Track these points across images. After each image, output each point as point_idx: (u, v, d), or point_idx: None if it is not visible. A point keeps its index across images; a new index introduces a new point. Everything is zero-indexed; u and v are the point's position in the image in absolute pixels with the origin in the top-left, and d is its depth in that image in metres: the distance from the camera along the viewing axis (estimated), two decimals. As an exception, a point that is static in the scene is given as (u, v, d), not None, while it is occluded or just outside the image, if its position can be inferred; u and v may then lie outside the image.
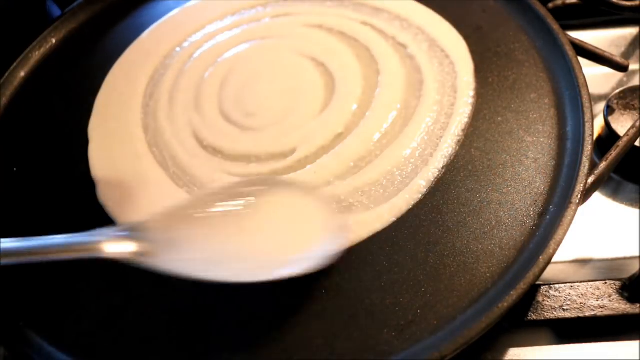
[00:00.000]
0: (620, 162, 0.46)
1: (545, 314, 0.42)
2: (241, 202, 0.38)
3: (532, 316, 0.42)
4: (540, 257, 0.38)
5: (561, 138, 0.45)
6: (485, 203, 0.43)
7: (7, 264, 0.34)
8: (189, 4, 0.62)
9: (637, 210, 0.51)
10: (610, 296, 0.42)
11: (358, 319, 0.39)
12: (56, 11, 0.70)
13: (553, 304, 0.42)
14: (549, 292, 0.43)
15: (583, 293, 0.42)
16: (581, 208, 0.41)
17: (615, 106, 0.53)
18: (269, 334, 0.39)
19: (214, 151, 0.49)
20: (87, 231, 0.37)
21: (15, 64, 0.57)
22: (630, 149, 0.46)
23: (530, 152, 0.45)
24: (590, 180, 0.42)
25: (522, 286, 0.37)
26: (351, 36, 0.55)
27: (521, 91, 0.49)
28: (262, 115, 0.50)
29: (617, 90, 0.54)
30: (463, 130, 0.47)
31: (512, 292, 0.37)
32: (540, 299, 0.43)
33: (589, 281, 0.43)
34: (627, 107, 0.53)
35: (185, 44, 0.58)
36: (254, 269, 0.36)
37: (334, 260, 0.38)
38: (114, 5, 0.63)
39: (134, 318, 0.41)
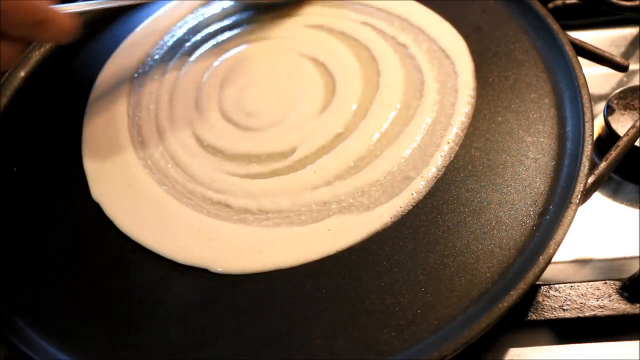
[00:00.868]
0: (620, 162, 0.46)
1: (545, 314, 0.42)
2: None
3: (532, 316, 0.42)
4: (540, 257, 0.38)
5: (561, 138, 0.45)
6: (485, 203, 0.43)
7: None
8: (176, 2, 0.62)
9: (637, 210, 0.51)
10: (610, 296, 0.42)
11: (358, 319, 0.39)
12: None
13: (553, 304, 0.42)
14: (549, 292, 0.43)
15: (583, 293, 0.42)
16: (581, 208, 0.41)
17: (615, 106, 0.53)
18: (269, 334, 0.39)
19: (214, 151, 0.49)
20: None
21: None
22: (630, 149, 0.46)
23: (530, 152, 0.45)
24: (590, 180, 0.42)
25: (522, 286, 0.37)
26: (351, 36, 0.55)
27: (521, 91, 0.49)
28: (262, 115, 0.50)
29: (617, 90, 0.54)
30: (463, 130, 0.47)
31: (512, 292, 0.37)
32: (540, 299, 0.43)
33: (589, 281, 0.43)
34: (627, 107, 0.53)
35: (187, 45, 0.58)
36: None
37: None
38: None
39: (134, 318, 0.41)
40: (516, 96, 0.49)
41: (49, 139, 0.53)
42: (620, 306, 0.42)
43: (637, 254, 0.47)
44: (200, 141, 0.50)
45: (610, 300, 0.42)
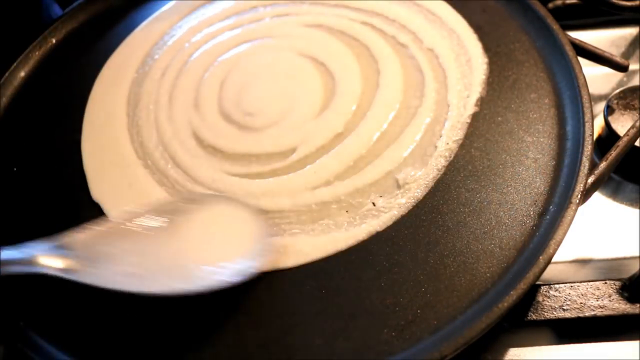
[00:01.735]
0: (620, 162, 0.46)
1: (545, 314, 0.42)
2: (168, 217, 0.40)
3: (532, 316, 0.42)
4: (540, 257, 0.38)
5: (561, 138, 0.45)
6: (485, 203, 0.43)
7: None
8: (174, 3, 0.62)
9: (637, 210, 0.51)
10: (610, 296, 0.42)
11: (358, 319, 0.39)
12: (57, 10, 0.70)
13: (553, 304, 0.42)
14: (549, 292, 0.43)
15: (583, 293, 0.42)
16: (581, 208, 0.41)
17: (615, 106, 0.53)
18: (269, 334, 0.39)
19: (214, 151, 0.49)
20: (15, 245, 0.38)
21: (15, 64, 0.57)
22: (630, 149, 0.46)
23: (530, 152, 0.45)
24: (590, 180, 0.42)
25: (522, 286, 0.37)
26: (351, 36, 0.55)
27: (521, 91, 0.49)
28: (262, 115, 0.50)
29: (617, 90, 0.54)
30: (463, 131, 0.47)
31: (512, 292, 0.37)
32: (540, 299, 0.43)
33: (589, 281, 0.43)
34: (627, 107, 0.53)
35: (187, 45, 0.58)
36: (176, 281, 0.38)
37: (256, 277, 0.39)
38: (114, 5, 0.63)
39: (134, 318, 0.41)
40: (516, 96, 0.49)
41: (49, 139, 0.53)
42: (620, 306, 0.42)
43: (637, 254, 0.47)
44: (200, 141, 0.50)
45: (610, 300, 0.42)
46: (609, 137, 0.52)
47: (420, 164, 0.45)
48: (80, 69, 0.58)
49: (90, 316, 0.41)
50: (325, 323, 0.39)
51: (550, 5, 0.61)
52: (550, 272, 0.45)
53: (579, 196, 0.40)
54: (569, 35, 0.51)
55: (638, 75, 0.59)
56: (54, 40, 0.60)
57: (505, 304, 0.36)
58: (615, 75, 0.58)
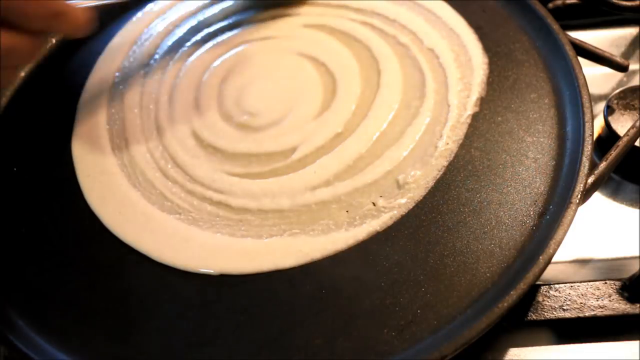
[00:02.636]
0: (620, 162, 0.46)
1: (545, 314, 0.42)
2: None
3: (532, 316, 0.42)
4: (540, 257, 0.38)
5: (561, 138, 0.45)
6: (485, 203, 0.43)
7: None
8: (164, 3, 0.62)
9: (637, 210, 0.51)
10: (610, 296, 0.42)
11: (358, 319, 0.39)
12: None
13: (553, 304, 0.42)
14: (549, 292, 0.43)
15: (583, 293, 0.42)
16: (581, 208, 0.41)
17: (615, 106, 0.53)
18: (269, 334, 0.39)
19: (214, 151, 0.49)
20: None
21: (15, 64, 0.57)
22: (630, 149, 0.46)
23: (530, 152, 0.45)
24: (590, 180, 0.42)
25: (522, 286, 0.37)
26: (352, 36, 0.55)
27: (521, 91, 0.49)
28: (262, 115, 0.50)
29: (617, 90, 0.54)
30: (463, 131, 0.47)
31: (512, 292, 0.37)
32: (540, 299, 0.43)
33: (589, 281, 0.43)
34: (627, 107, 0.53)
35: (188, 44, 0.58)
36: None
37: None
38: (114, 5, 0.63)
39: (135, 319, 0.41)
40: (516, 96, 0.49)
41: (49, 139, 0.53)
42: (620, 306, 0.42)
43: (637, 254, 0.47)
44: (200, 141, 0.50)
45: (610, 300, 0.42)
46: (609, 137, 0.52)
47: (421, 164, 0.45)
48: (81, 69, 0.58)
49: (90, 316, 0.41)
50: (325, 323, 0.39)
51: (550, 5, 0.61)
52: (550, 272, 0.45)
53: (579, 196, 0.40)
54: (569, 35, 0.51)
55: (638, 75, 0.59)
56: (54, 40, 0.60)
57: (505, 304, 0.36)
58: (615, 75, 0.58)
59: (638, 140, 0.47)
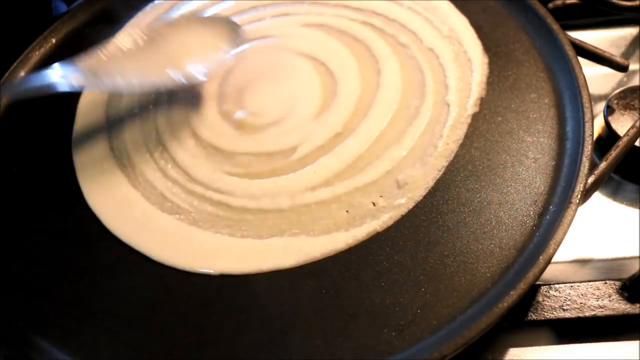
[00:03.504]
0: (620, 162, 0.46)
1: (545, 314, 0.42)
2: (152, 37, 0.50)
3: (532, 316, 0.42)
4: (540, 257, 0.38)
5: (561, 138, 0.45)
6: (485, 203, 0.43)
7: None
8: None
9: (637, 210, 0.51)
10: (610, 296, 0.42)
11: (358, 319, 0.39)
12: (62, 7, 0.70)
13: (553, 304, 0.42)
14: (549, 292, 0.43)
15: (583, 293, 0.42)
16: (581, 208, 0.41)
17: (615, 106, 0.53)
18: (269, 334, 0.39)
19: (213, 151, 0.49)
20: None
21: (15, 64, 0.57)
22: (630, 149, 0.46)
23: (530, 152, 0.45)
24: (590, 180, 0.42)
25: (522, 286, 0.37)
26: (351, 36, 0.55)
27: (521, 91, 0.49)
28: (262, 115, 0.50)
29: (617, 90, 0.54)
30: (463, 131, 0.47)
31: (512, 292, 0.37)
32: (540, 299, 0.43)
33: (589, 281, 0.43)
34: (627, 107, 0.53)
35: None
36: (163, 77, 0.48)
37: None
38: (114, 5, 0.63)
39: (135, 319, 0.41)
40: (516, 96, 0.49)
41: (49, 139, 0.53)
42: (620, 306, 0.42)
43: (637, 254, 0.47)
44: (199, 141, 0.50)
45: (610, 300, 0.42)
46: (609, 137, 0.52)
47: (420, 164, 0.45)
48: (80, 69, 0.58)
49: (90, 316, 0.41)
50: (325, 323, 0.39)
51: (550, 5, 0.61)
52: (550, 272, 0.45)
53: (579, 196, 0.40)
54: (569, 35, 0.51)
55: (638, 75, 0.59)
56: (54, 40, 0.60)
57: (505, 304, 0.36)
58: (615, 75, 0.58)
59: (638, 140, 0.47)
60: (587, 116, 0.44)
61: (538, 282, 0.40)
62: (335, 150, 0.47)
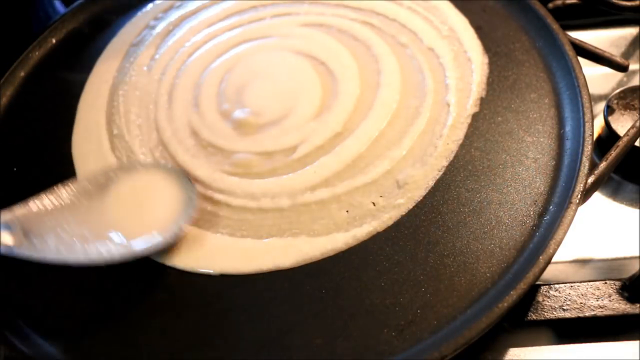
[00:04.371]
0: (620, 162, 0.46)
1: (545, 314, 0.42)
2: (101, 185, 0.44)
3: (532, 316, 0.42)
4: (540, 257, 0.38)
5: (561, 138, 0.45)
6: (485, 203, 0.43)
7: None
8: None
9: (637, 210, 0.51)
10: (610, 296, 0.42)
11: (358, 319, 0.39)
12: (60, 8, 0.70)
13: (553, 304, 0.42)
14: (549, 292, 0.43)
15: (583, 293, 0.42)
16: (581, 208, 0.41)
17: (615, 106, 0.53)
18: (269, 334, 0.39)
19: (214, 150, 0.49)
20: None
21: (15, 64, 0.57)
22: (630, 149, 0.46)
23: (530, 152, 0.45)
24: (590, 180, 0.42)
25: (522, 286, 0.37)
26: (351, 36, 0.55)
27: (521, 91, 0.49)
28: (261, 114, 0.50)
29: (617, 90, 0.54)
30: (463, 131, 0.47)
31: (512, 292, 0.37)
32: (540, 299, 0.43)
33: (589, 281, 0.43)
34: (627, 107, 0.53)
35: (187, 44, 0.58)
36: (108, 248, 0.41)
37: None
38: (114, 5, 0.63)
39: (135, 319, 0.41)
40: (516, 96, 0.49)
41: (49, 139, 0.53)
42: (620, 306, 0.42)
43: (637, 254, 0.47)
44: (199, 141, 0.50)
45: (610, 300, 0.42)
46: (609, 137, 0.52)
47: (420, 164, 0.45)
48: (81, 69, 0.58)
49: (90, 316, 0.41)
50: (325, 323, 0.39)
51: (550, 5, 0.61)
52: (550, 272, 0.45)
53: (579, 196, 0.40)
54: (569, 35, 0.51)
55: (638, 75, 0.59)
56: (54, 40, 0.60)
57: (505, 304, 0.36)
58: (615, 75, 0.58)
59: (638, 140, 0.47)
60: (587, 116, 0.44)
61: (538, 282, 0.40)
62: (335, 150, 0.47)
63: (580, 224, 0.47)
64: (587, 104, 0.45)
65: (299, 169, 0.46)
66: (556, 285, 0.43)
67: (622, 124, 0.52)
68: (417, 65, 0.52)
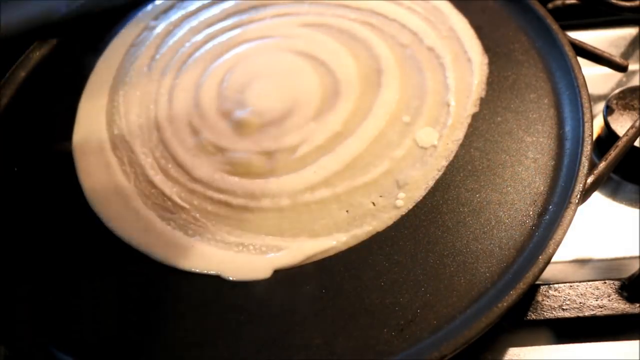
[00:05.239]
0: (620, 162, 0.46)
1: (545, 313, 0.42)
2: None
3: (532, 316, 0.42)
4: (540, 257, 0.38)
5: (560, 138, 0.45)
6: (484, 203, 0.43)
7: None
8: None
9: (637, 210, 0.51)
10: (609, 296, 0.42)
11: (358, 318, 0.39)
12: (62, 7, 0.70)
13: (552, 304, 0.42)
14: (548, 292, 0.43)
15: (582, 293, 0.42)
16: (581, 208, 0.41)
17: (614, 106, 0.53)
18: (269, 334, 0.39)
19: (214, 150, 0.49)
20: None
21: (15, 64, 0.57)
22: (630, 149, 0.46)
23: (529, 152, 0.45)
24: (590, 180, 0.42)
25: (522, 286, 0.37)
26: (351, 36, 0.55)
27: (521, 91, 0.49)
28: (261, 114, 0.50)
29: (617, 91, 0.54)
30: (463, 131, 0.47)
31: (511, 292, 0.37)
32: (539, 298, 0.43)
33: (589, 281, 0.43)
34: (626, 107, 0.53)
35: (187, 45, 0.58)
36: None
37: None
38: (116, 5, 0.63)
39: (135, 318, 0.41)
40: (516, 96, 0.49)
41: (49, 138, 0.53)
42: (620, 306, 0.42)
43: (637, 254, 0.47)
44: (200, 140, 0.50)
45: (609, 300, 0.42)
46: (608, 137, 0.52)
47: (420, 164, 0.45)
48: (81, 69, 0.58)
49: (90, 316, 0.41)
50: (325, 323, 0.39)
51: (550, 5, 0.61)
52: (549, 272, 0.45)
53: (579, 196, 0.40)
54: (568, 36, 0.51)
55: (638, 75, 0.59)
56: (54, 41, 0.60)
57: (505, 304, 0.36)
58: (614, 75, 0.58)
59: (637, 140, 0.47)
60: (587, 116, 0.45)
61: (537, 282, 0.40)
62: (335, 150, 0.47)
63: (580, 224, 0.47)
64: (586, 104, 0.45)
65: (299, 169, 0.46)
66: (556, 285, 0.43)
67: (622, 124, 0.52)
68: (417, 65, 0.52)
